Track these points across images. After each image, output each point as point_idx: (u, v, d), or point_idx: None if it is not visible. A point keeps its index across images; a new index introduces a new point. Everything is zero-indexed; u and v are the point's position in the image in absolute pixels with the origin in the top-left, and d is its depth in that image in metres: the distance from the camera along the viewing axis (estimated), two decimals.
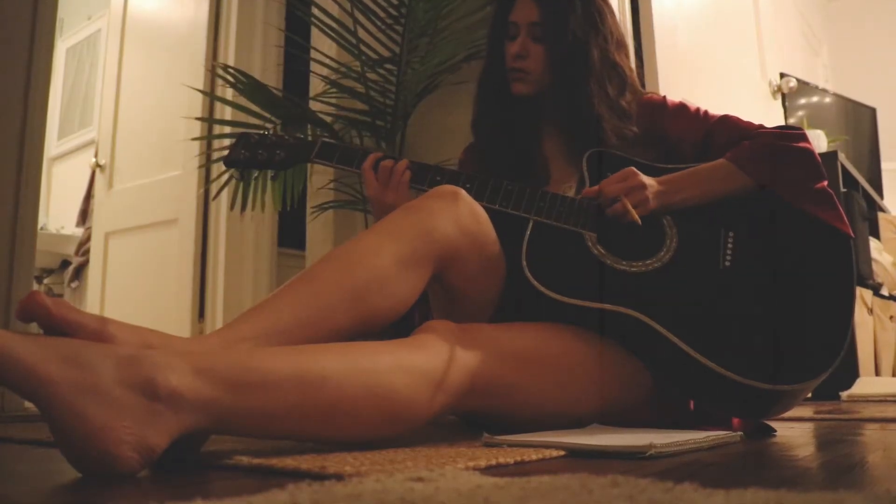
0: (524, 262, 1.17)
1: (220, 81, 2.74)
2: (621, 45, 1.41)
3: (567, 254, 1.22)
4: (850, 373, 2.73)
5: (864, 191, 3.42)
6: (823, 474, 0.79)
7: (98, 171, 3.46)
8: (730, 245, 1.22)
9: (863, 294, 3.02)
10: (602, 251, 1.21)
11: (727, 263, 1.20)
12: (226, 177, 2.38)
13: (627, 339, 1.16)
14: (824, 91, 3.93)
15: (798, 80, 3.36)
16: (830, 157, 2.95)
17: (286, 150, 1.34)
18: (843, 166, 3.01)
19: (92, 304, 3.29)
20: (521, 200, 1.25)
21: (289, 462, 0.75)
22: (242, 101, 2.33)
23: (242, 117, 2.36)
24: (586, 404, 1.13)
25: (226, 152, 2.45)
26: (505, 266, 1.22)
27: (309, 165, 2.41)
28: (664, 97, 1.44)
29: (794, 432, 1.28)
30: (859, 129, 4.10)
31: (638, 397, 1.18)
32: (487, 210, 1.21)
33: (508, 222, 1.24)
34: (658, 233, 1.24)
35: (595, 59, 1.35)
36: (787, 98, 3.38)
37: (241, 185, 2.24)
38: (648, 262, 1.20)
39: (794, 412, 1.89)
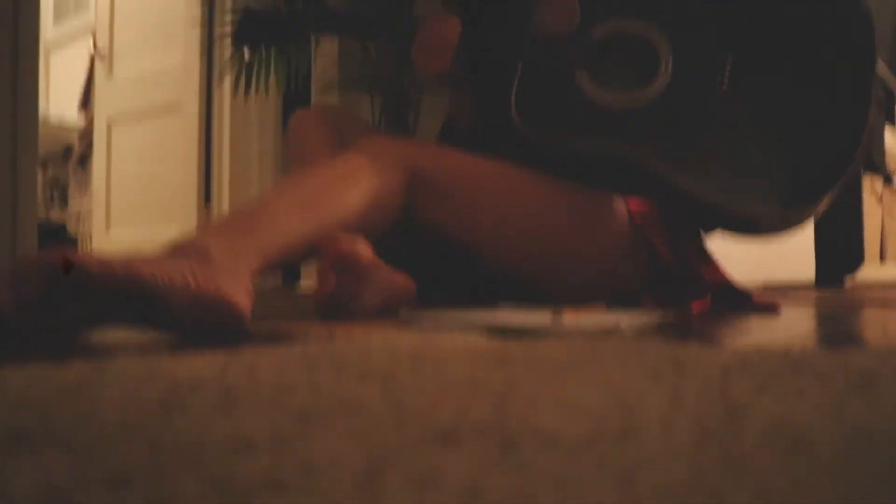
0: (514, 113, 1.15)
1: None
2: None
3: (558, 97, 1.19)
4: (856, 259, 2.75)
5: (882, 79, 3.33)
6: (826, 343, 0.80)
7: (97, 57, 3.38)
8: (729, 64, 1.16)
9: (873, 182, 3.00)
10: (595, 89, 1.17)
11: (725, 85, 1.16)
12: (228, 60, 2.32)
13: (624, 179, 1.15)
14: None
15: None
16: None
17: (291, 23, 1.32)
18: None
19: (98, 191, 3.29)
20: (507, 46, 1.20)
21: (300, 328, 0.77)
22: None
23: None
24: (541, 234, 1.15)
25: (228, 36, 2.39)
26: None
27: (314, 46, 2.35)
28: None
29: (797, 311, 1.30)
30: (880, 13, 3.94)
31: (612, 251, 1.19)
32: (475, 62, 1.19)
33: (497, 70, 1.21)
34: (651, 61, 1.18)
35: None
36: None
37: (244, 67, 2.19)
38: (642, 92, 1.16)
39: (797, 293, 1.92)
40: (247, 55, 2.11)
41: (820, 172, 1.09)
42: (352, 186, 0.99)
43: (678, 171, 1.08)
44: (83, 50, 3.83)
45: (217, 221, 0.89)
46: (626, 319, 0.83)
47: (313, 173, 1.01)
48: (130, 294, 0.68)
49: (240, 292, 0.76)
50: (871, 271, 2.67)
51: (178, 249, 0.79)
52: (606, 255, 1.20)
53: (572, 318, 0.79)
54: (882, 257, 3.08)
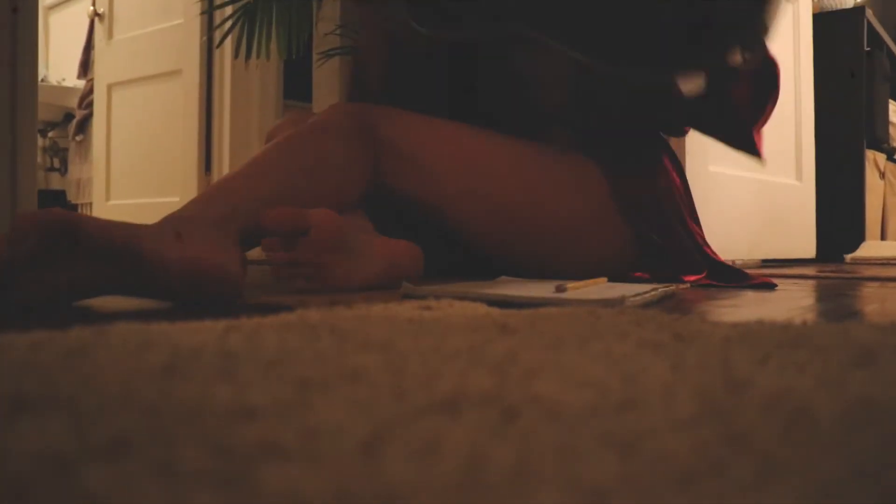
0: (408, 13, 1.08)
1: None
2: None
3: None
4: (856, 236, 2.74)
5: (889, 51, 3.30)
6: (825, 317, 0.80)
7: (97, 20, 3.34)
8: None
9: (876, 157, 2.98)
10: None
11: None
12: (229, 24, 2.29)
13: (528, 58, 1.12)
14: None
15: None
16: (857, 13, 2.83)
17: None
18: (869, 24, 2.89)
19: (98, 159, 3.28)
20: None
21: (298, 300, 0.77)
22: None
23: None
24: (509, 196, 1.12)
25: None
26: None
27: (315, 11, 2.32)
28: None
29: (796, 287, 1.30)
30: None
31: (590, 217, 1.16)
32: None
33: None
34: None
35: None
36: None
37: (245, 32, 2.16)
38: None
39: (797, 270, 1.91)
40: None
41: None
42: (311, 152, 0.98)
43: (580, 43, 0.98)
44: (83, 12, 3.79)
45: (197, 196, 0.90)
46: (630, 292, 0.83)
47: (274, 144, 1.00)
48: (126, 257, 0.68)
49: (232, 259, 0.77)
50: (870, 248, 2.66)
51: (165, 222, 0.79)
52: (582, 224, 1.16)
53: (575, 291, 0.79)
54: (883, 236, 3.07)
